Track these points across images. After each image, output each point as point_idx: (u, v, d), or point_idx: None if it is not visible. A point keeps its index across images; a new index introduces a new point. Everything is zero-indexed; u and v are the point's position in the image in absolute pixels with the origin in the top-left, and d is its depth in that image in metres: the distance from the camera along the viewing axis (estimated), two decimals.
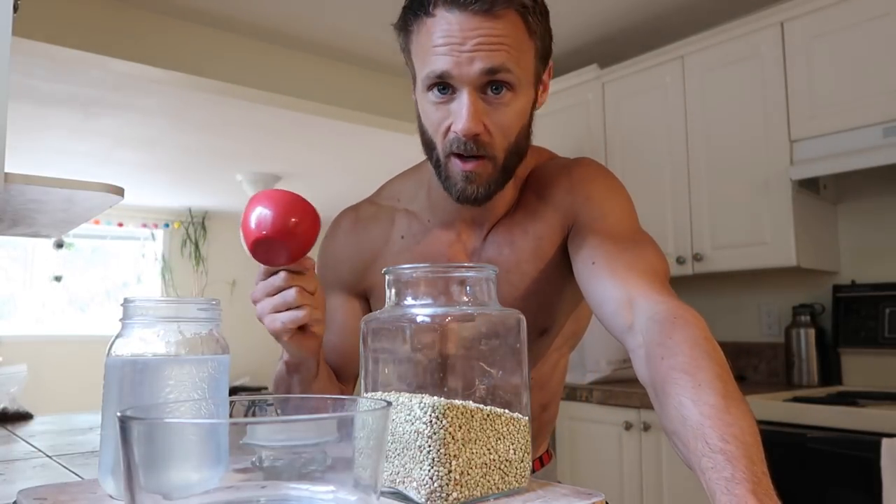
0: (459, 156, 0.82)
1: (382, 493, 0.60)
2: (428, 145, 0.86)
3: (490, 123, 0.81)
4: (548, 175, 0.96)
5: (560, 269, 0.93)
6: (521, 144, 0.86)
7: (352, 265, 1.00)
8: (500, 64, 0.78)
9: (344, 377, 1.01)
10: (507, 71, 0.79)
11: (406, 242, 0.98)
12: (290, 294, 0.75)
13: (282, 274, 0.75)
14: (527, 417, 0.66)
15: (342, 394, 0.99)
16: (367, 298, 1.02)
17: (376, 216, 1.01)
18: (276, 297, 0.76)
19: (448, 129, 0.82)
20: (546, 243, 0.93)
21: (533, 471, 1.09)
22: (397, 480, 0.60)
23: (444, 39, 0.78)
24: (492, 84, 0.79)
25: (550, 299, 0.95)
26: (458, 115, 0.80)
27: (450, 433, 0.58)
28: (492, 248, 0.94)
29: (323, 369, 0.90)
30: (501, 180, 0.86)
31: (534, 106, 0.87)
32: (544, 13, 0.84)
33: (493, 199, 0.90)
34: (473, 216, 0.94)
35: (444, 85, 0.80)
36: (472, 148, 0.81)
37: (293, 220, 0.70)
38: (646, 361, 0.71)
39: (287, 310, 0.76)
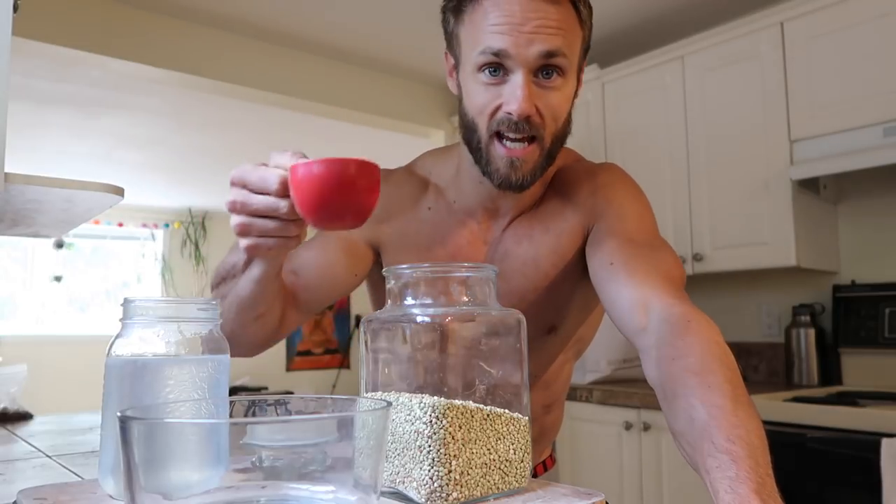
0: (503, 138, 0.82)
1: (382, 493, 0.60)
2: (469, 128, 0.86)
3: (542, 106, 0.81)
4: (573, 176, 0.96)
5: (575, 270, 0.94)
6: (565, 131, 0.87)
7: (375, 217, 0.97)
8: (557, 48, 0.79)
9: (302, 307, 0.94)
10: (563, 55, 0.80)
11: (431, 216, 0.97)
12: (284, 227, 0.69)
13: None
14: (527, 417, 0.66)
15: (285, 318, 0.92)
16: (376, 252, 0.99)
17: (409, 180, 1.01)
18: (266, 221, 0.69)
19: (496, 109, 0.82)
20: (565, 241, 0.93)
21: (535, 475, 1.08)
22: (397, 480, 0.60)
23: (505, 19, 0.79)
24: (545, 68, 0.80)
25: (563, 298, 0.96)
26: (512, 95, 0.80)
27: (450, 433, 0.58)
28: (511, 240, 0.95)
29: (280, 280, 0.85)
30: (545, 166, 0.86)
31: (575, 95, 0.88)
32: (589, 7, 0.86)
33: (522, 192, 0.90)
34: (497, 206, 0.94)
35: (496, 66, 0.80)
36: (524, 128, 0.81)
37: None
38: (656, 362, 0.71)
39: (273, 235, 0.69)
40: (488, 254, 0.96)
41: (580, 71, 0.88)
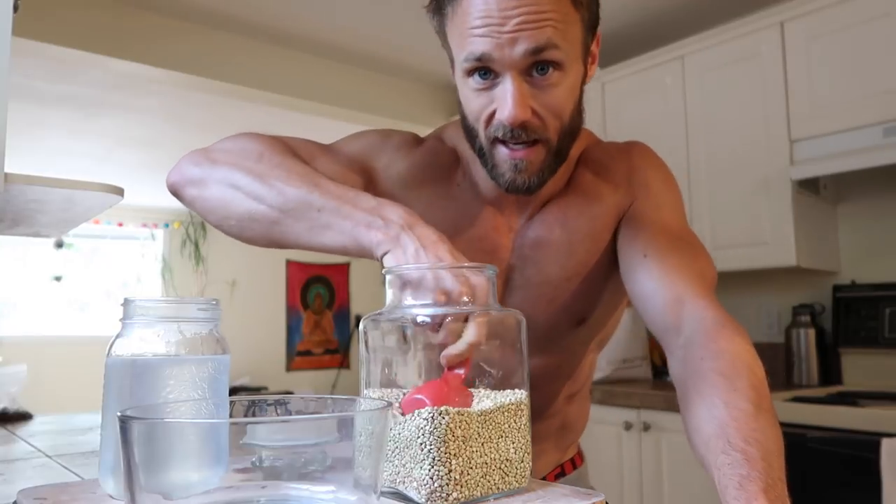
0: (504, 142, 0.77)
1: (382, 493, 0.60)
2: (469, 132, 0.81)
3: (539, 107, 0.75)
4: (605, 155, 0.92)
5: (607, 254, 0.90)
6: (575, 124, 0.81)
7: (400, 173, 0.90)
8: (545, 42, 0.71)
9: None
10: (555, 48, 0.72)
11: (460, 193, 0.91)
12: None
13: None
14: (527, 417, 0.66)
15: None
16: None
17: (443, 150, 0.94)
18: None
19: (491, 115, 0.76)
20: (600, 224, 0.89)
21: (563, 474, 1.06)
22: (397, 480, 0.60)
23: (482, 20, 0.72)
24: (537, 65, 0.73)
25: (595, 287, 0.91)
26: (503, 101, 0.74)
27: (450, 430, 0.58)
28: (542, 226, 0.89)
29: None
30: (555, 165, 0.81)
31: (584, 81, 0.81)
32: None
33: None
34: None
35: (485, 70, 0.74)
36: (520, 134, 0.75)
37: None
38: (683, 361, 0.71)
39: None
40: (515, 242, 0.90)
41: (588, 53, 0.81)
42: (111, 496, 0.62)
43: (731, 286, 2.81)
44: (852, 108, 2.19)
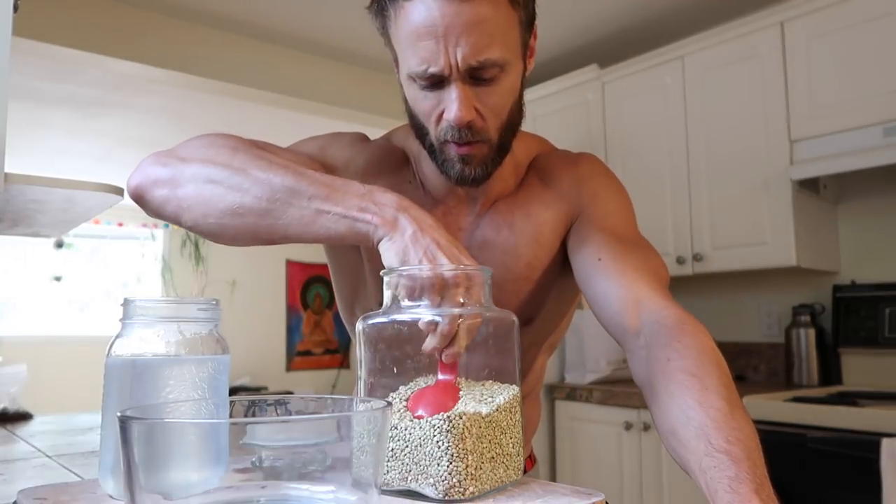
0: (455, 142, 0.80)
1: (391, 492, 0.61)
2: (419, 129, 0.84)
3: (482, 107, 0.79)
4: (554, 163, 0.95)
5: (555, 260, 0.92)
6: (514, 118, 0.84)
7: (359, 167, 0.92)
8: (487, 51, 0.75)
9: None
10: (497, 54, 0.76)
11: (411, 190, 0.93)
12: None
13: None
14: (520, 413, 0.67)
15: None
16: None
17: (393, 150, 0.97)
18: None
19: (440, 116, 0.79)
20: (547, 229, 0.91)
21: None
22: (409, 478, 0.61)
23: (427, 29, 0.74)
24: (480, 67, 0.76)
25: (541, 289, 0.94)
26: (450, 104, 0.77)
27: (467, 428, 0.60)
28: (489, 227, 0.92)
29: None
30: (498, 159, 0.84)
31: (524, 76, 0.84)
32: None
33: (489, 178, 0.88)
34: (466, 191, 0.91)
35: (429, 77, 0.77)
36: (466, 134, 0.79)
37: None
38: (648, 363, 0.71)
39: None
40: (464, 241, 0.92)
41: (526, 48, 0.83)
42: (111, 496, 0.62)
43: (731, 286, 2.81)
44: (852, 108, 2.19)
